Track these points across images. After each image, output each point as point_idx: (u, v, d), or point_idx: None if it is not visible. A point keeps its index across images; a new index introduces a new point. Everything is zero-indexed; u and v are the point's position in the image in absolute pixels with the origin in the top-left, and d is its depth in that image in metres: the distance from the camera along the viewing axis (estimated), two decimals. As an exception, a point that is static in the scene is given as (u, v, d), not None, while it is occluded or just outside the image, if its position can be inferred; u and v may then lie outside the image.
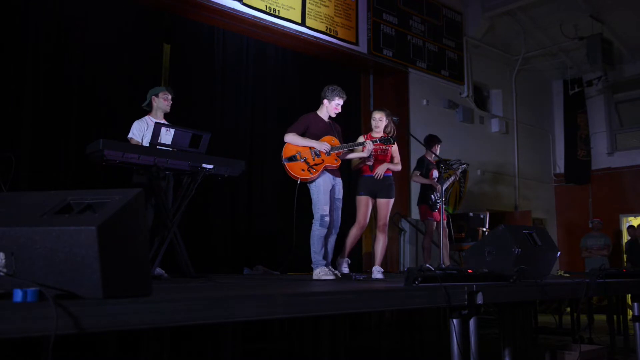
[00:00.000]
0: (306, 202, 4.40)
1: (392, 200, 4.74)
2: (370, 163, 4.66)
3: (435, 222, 6.11)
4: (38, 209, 1.66)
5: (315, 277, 4.09)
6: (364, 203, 4.68)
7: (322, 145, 4.23)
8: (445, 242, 6.16)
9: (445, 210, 6.16)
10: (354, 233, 4.76)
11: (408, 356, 4.63)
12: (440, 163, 5.85)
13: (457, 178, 6.52)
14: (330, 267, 4.27)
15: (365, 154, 4.56)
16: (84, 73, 5.59)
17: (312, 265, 4.18)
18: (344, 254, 4.77)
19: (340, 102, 4.39)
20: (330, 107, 4.39)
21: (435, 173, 6.14)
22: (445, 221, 6.26)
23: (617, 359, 4.63)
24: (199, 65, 6.47)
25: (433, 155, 6.22)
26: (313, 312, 2.08)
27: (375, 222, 4.86)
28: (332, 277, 4.04)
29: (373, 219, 4.88)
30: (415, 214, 8.19)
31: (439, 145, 6.38)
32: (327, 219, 4.20)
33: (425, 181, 6.12)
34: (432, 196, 6.03)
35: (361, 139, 4.77)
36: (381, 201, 4.71)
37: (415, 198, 8.22)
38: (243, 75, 6.89)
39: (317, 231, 4.17)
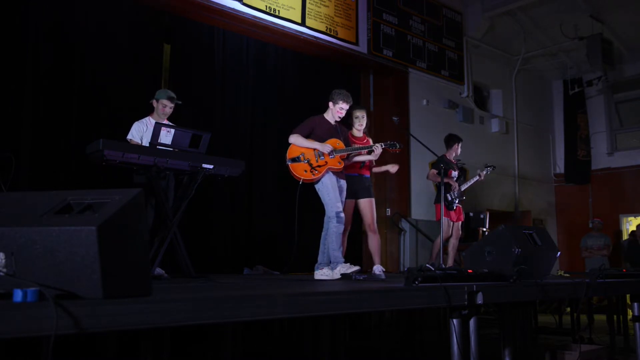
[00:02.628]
0: (307, 202, 4.40)
1: (373, 200, 4.73)
2: (373, 159, 4.66)
3: (451, 223, 6.08)
4: (38, 209, 1.66)
5: (335, 276, 4.08)
6: (347, 207, 4.68)
7: (325, 147, 4.24)
8: (455, 243, 6.14)
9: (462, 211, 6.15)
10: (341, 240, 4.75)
11: (408, 356, 4.62)
12: (441, 163, 5.80)
13: (481, 179, 6.44)
14: (329, 267, 4.27)
15: (373, 157, 4.57)
16: (84, 73, 5.59)
17: (332, 265, 4.16)
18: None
19: (345, 106, 4.40)
20: (334, 110, 4.40)
21: (454, 173, 6.12)
22: (461, 222, 6.25)
23: (617, 359, 4.63)
24: (199, 65, 6.46)
25: (453, 155, 6.20)
26: (313, 312, 2.08)
27: (361, 223, 4.83)
28: (357, 268, 4.04)
29: (359, 219, 4.85)
30: (415, 214, 8.20)
31: (460, 144, 6.34)
32: (342, 215, 4.20)
33: (439, 180, 6.08)
34: (448, 195, 5.99)
35: None
36: (364, 202, 4.69)
37: (415, 198, 8.27)
38: (243, 75, 6.89)
39: (335, 228, 4.16)
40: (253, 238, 6.63)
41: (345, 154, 4.35)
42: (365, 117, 4.84)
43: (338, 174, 4.35)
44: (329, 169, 4.25)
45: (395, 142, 4.57)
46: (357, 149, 4.51)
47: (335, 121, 4.46)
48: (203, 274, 4.49)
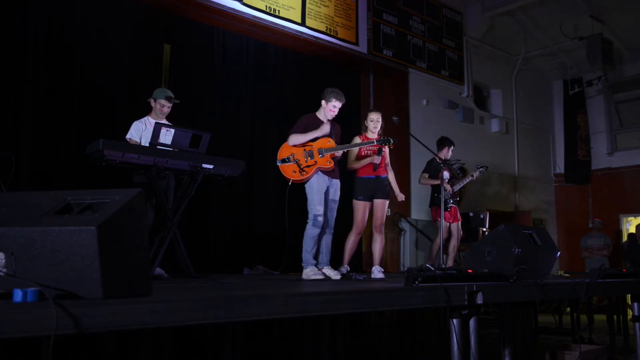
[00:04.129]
0: (301, 203, 4.40)
1: (388, 201, 4.77)
2: (377, 162, 4.67)
3: (447, 224, 6.07)
4: (38, 209, 1.66)
5: (304, 276, 4.12)
6: (362, 208, 4.68)
7: (324, 129, 4.27)
8: (456, 244, 6.13)
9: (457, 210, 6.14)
10: (352, 239, 4.76)
11: (408, 356, 4.62)
12: (441, 164, 5.79)
13: (473, 179, 6.43)
14: (330, 266, 4.27)
15: (376, 161, 4.65)
16: (84, 73, 5.59)
17: (302, 264, 4.20)
18: (343, 262, 4.77)
19: (337, 104, 4.39)
20: (327, 108, 4.40)
21: (446, 174, 6.11)
22: (460, 222, 6.24)
23: (617, 359, 4.63)
24: (199, 65, 6.46)
25: (443, 158, 6.20)
26: (313, 312, 2.08)
27: (371, 222, 4.85)
28: (321, 277, 4.07)
29: (369, 219, 4.87)
30: (415, 214, 8.20)
31: (451, 148, 6.34)
32: (320, 218, 4.21)
33: (432, 182, 6.08)
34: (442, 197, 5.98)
35: (357, 139, 4.79)
36: (378, 202, 4.72)
37: (415, 198, 8.26)
38: (243, 75, 6.89)
39: (310, 230, 4.19)
40: (253, 238, 6.63)
41: (335, 152, 4.33)
42: (380, 120, 4.85)
43: (331, 173, 4.34)
44: (318, 168, 4.25)
45: (389, 137, 4.56)
46: (347, 147, 4.52)
47: (328, 119, 4.46)
48: (203, 274, 4.50)
